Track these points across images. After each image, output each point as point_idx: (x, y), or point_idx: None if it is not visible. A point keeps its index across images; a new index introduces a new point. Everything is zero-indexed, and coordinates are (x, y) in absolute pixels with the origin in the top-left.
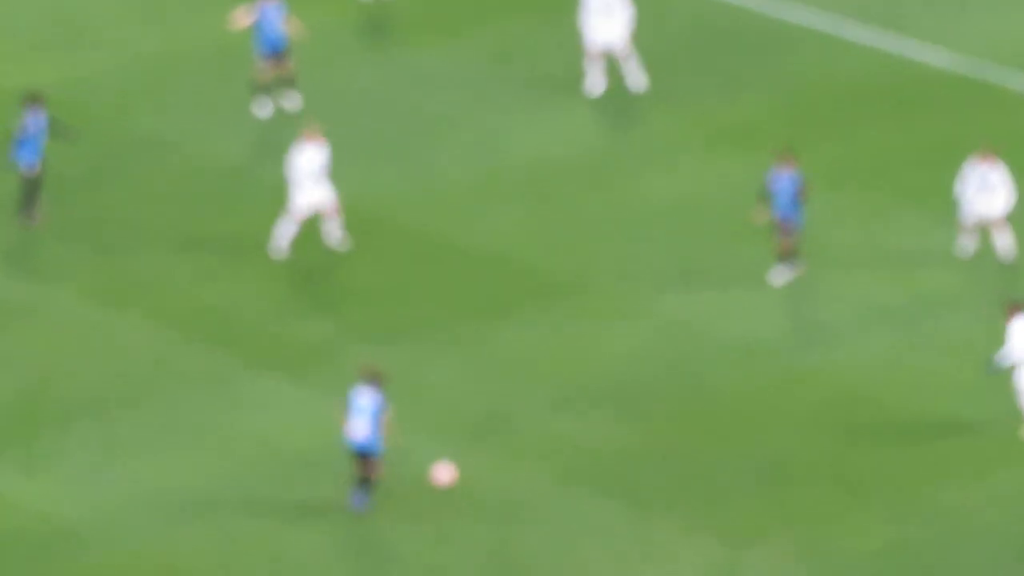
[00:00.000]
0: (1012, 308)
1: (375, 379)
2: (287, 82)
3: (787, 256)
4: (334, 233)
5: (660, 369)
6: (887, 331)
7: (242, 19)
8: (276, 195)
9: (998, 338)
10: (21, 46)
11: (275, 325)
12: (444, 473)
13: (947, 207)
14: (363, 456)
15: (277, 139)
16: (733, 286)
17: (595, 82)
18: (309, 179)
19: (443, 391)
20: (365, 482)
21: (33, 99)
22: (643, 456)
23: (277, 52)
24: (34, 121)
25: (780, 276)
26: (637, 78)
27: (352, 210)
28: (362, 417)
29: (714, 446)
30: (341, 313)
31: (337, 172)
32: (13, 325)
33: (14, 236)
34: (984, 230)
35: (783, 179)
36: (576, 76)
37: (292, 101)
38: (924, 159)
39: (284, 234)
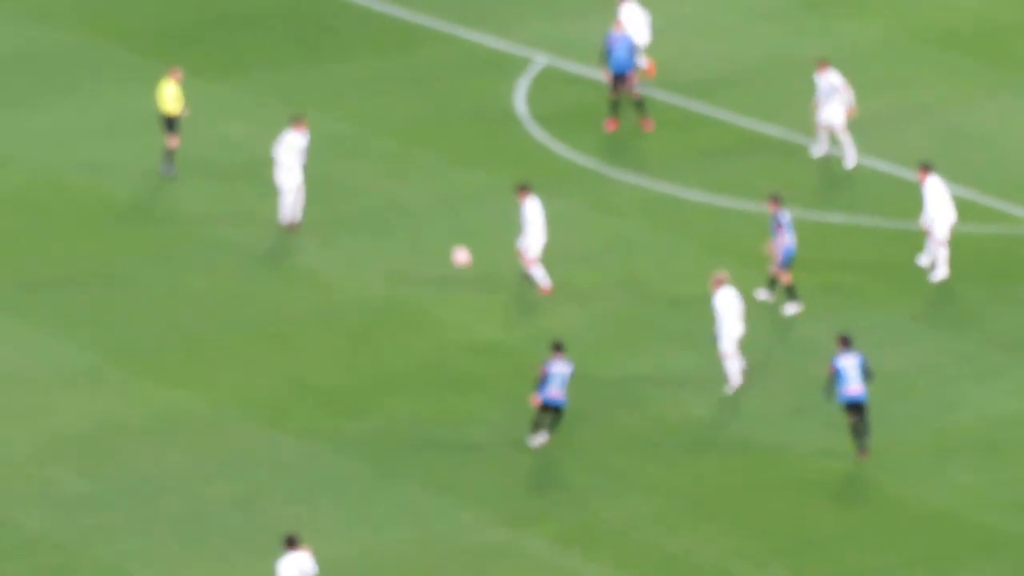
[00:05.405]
0: (521, 189)
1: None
2: None
3: None
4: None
5: None
6: None
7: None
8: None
9: None
10: None
11: (735, 571)
12: (461, 255)
13: None
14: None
15: None
16: None
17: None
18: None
19: None
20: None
21: None
22: None
23: None
24: None
25: None
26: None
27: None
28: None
29: None
30: (795, 559)
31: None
32: (488, 567)
33: (492, 483)
34: None
35: None
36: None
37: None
38: None
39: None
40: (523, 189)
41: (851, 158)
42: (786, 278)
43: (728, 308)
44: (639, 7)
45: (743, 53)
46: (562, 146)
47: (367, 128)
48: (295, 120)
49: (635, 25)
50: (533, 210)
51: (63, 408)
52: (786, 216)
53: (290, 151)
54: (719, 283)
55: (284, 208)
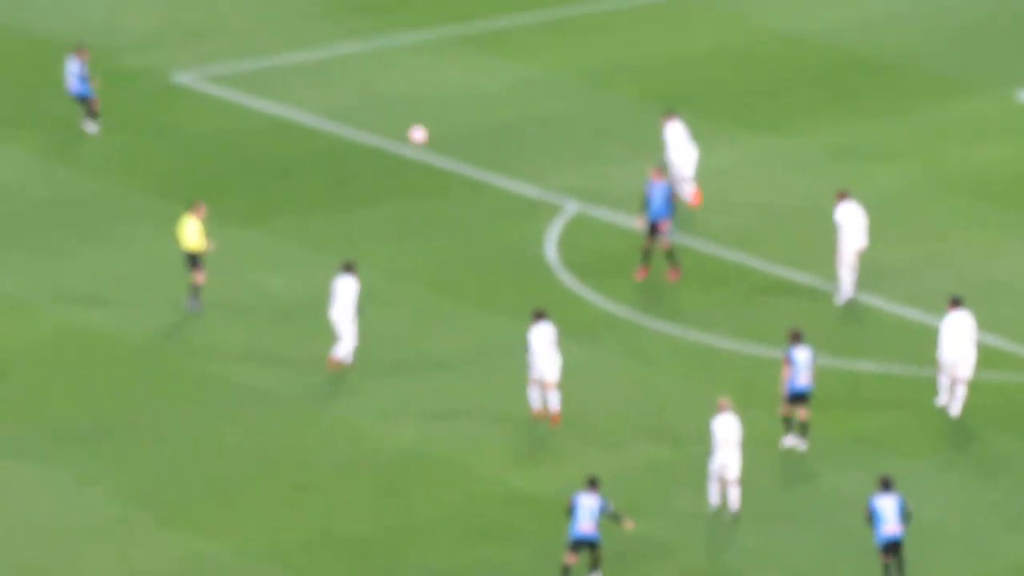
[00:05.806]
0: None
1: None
2: None
3: None
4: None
5: None
6: None
7: None
8: None
9: None
10: None
11: None
12: (418, 133)
13: None
14: None
15: None
16: None
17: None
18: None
19: None
20: None
21: None
22: None
23: None
24: None
25: None
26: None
27: None
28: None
29: None
30: None
31: None
32: None
33: None
34: None
35: None
36: None
37: None
38: None
39: None
40: (535, 315)
41: (845, 295)
42: (783, 411)
43: (721, 433)
44: (682, 125)
45: (775, 201)
46: (593, 293)
47: (397, 275)
48: (347, 267)
49: (680, 143)
50: (540, 336)
51: (92, 558)
52: (799, 354)
53: (346, 296)
54: (721, 408)
55: (340, 349)
